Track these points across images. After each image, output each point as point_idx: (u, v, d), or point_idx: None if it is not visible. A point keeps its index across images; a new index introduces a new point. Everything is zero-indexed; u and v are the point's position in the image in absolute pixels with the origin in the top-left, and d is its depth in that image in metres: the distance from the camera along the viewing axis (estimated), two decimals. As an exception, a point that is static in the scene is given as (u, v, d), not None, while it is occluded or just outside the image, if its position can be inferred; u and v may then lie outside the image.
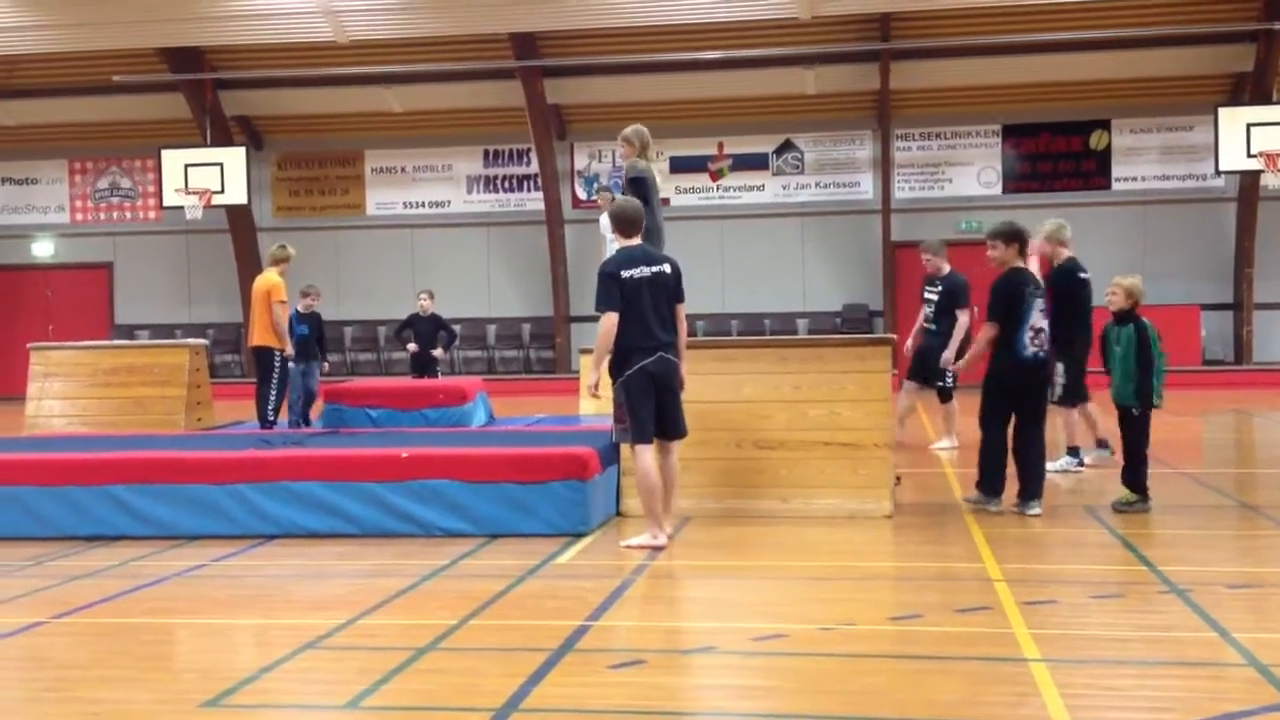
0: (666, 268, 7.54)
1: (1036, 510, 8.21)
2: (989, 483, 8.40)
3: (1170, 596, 6.00)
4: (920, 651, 5.14)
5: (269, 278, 12.34)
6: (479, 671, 4.95)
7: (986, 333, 8.42)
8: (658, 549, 7.36)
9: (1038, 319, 8.30)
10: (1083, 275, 10.22)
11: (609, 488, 8.45)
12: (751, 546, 7.68)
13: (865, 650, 5.16)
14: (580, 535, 7.78)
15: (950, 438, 12.12)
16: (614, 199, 9.20)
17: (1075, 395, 10.16)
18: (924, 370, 11.97)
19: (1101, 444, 10.65)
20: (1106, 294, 8.53)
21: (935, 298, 12.05)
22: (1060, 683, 4.60)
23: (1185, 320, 20.69)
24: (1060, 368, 10.08)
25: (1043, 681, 4.63)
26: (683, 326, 7.62)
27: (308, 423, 12.99)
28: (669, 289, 7.50)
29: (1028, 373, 8.32)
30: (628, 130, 8.93)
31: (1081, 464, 10.37)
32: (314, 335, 13.39)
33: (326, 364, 13.93)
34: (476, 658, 5.20)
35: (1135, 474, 8.36)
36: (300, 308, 13.28)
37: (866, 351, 8.59)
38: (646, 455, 7.40)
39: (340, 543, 7.81)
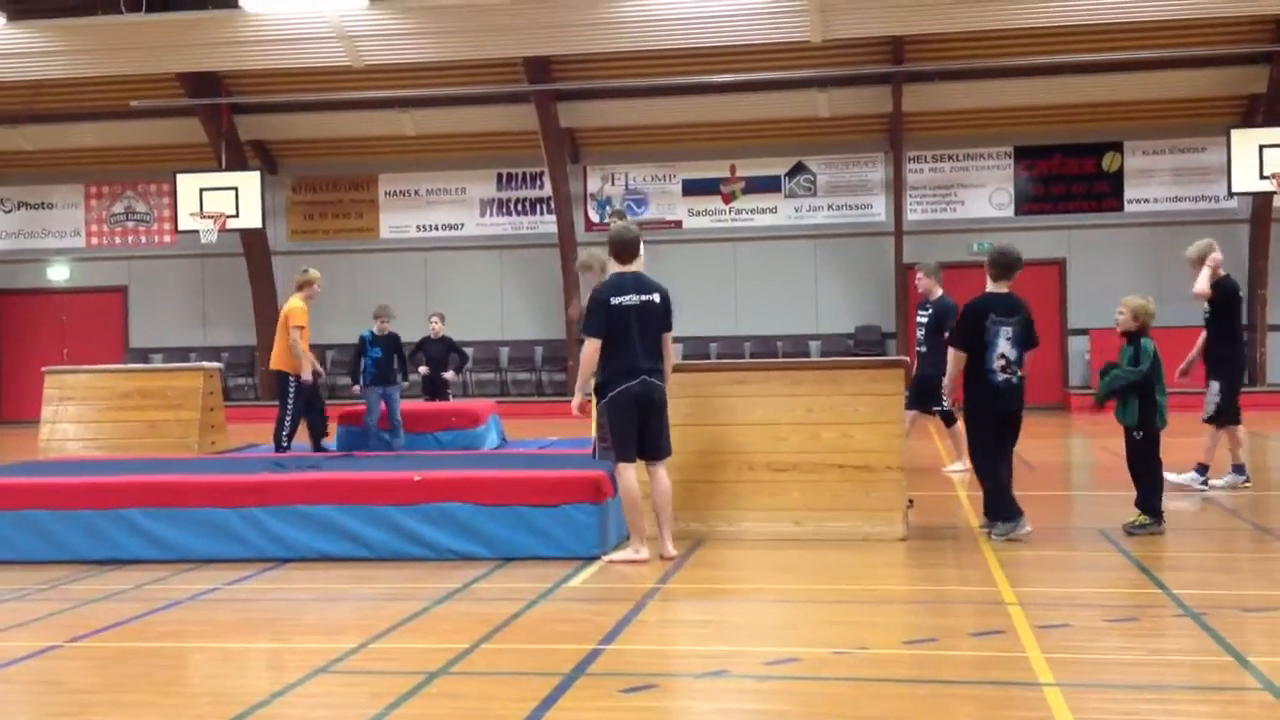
0: (656, 297, 7.73)
1: (1001, 533, 8.14)
2: (1005, 509, 8.31)
3: (1185, 620, 5.97)
4: (934, 676, 5.12)
5: (291, 303, 12.37)
6: (491, 696, 4.95)
7: (953, 361, 8.42)
8: (639, 562, 7.57)
9: (1004, 346, 8.23)
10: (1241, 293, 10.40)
11: (621, 511, 8.44)
12: (764, 569, 7.67)
13: (879, 674, 5.15)
14: (593, 558, 7.77)
15: (962, 460, 12.08)
16: (626, 221, 9.27)
17: (1227, 416, 10.16)
18: (921, 397, 11.93)
19: (1238, 469, 10.64)
20: (1116, 314, 8.51)
21: (925, 320, 12.08)
22: (1075, 707, 4.58)
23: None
24: (1215, 387, 10.12)
25: (1057, 706, 4.61)
26: (669, 355, 7.86)
27: (384, 445, 12.80)
28: (657, 318, 7.72)
29: (998, 398, 8.25)
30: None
31: (1206, 483, 10.36)
32: (389, 357, 13.18)
33: (406, 382, 13.75)
34: (489, 682, 5.19)
35: (1144, 496, 8.33)
36: (375, 330, 13.25)
37: (879, 374, 8.58)
38: (629, 473, 7.64)
39: (353, 566, 7.81)
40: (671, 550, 7.82)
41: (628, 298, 7.64)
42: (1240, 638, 5.56)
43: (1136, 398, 8.30)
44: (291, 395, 12.23)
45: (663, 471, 7.85)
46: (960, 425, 12.03)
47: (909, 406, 12.07)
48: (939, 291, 12.14)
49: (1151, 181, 21.89)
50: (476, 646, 5.71)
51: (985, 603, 6.45)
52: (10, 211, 24.85)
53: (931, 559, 7.85)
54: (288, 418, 12.28)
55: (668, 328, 7.80)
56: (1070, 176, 22.09)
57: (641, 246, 7.96)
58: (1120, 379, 8.27)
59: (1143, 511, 8.33)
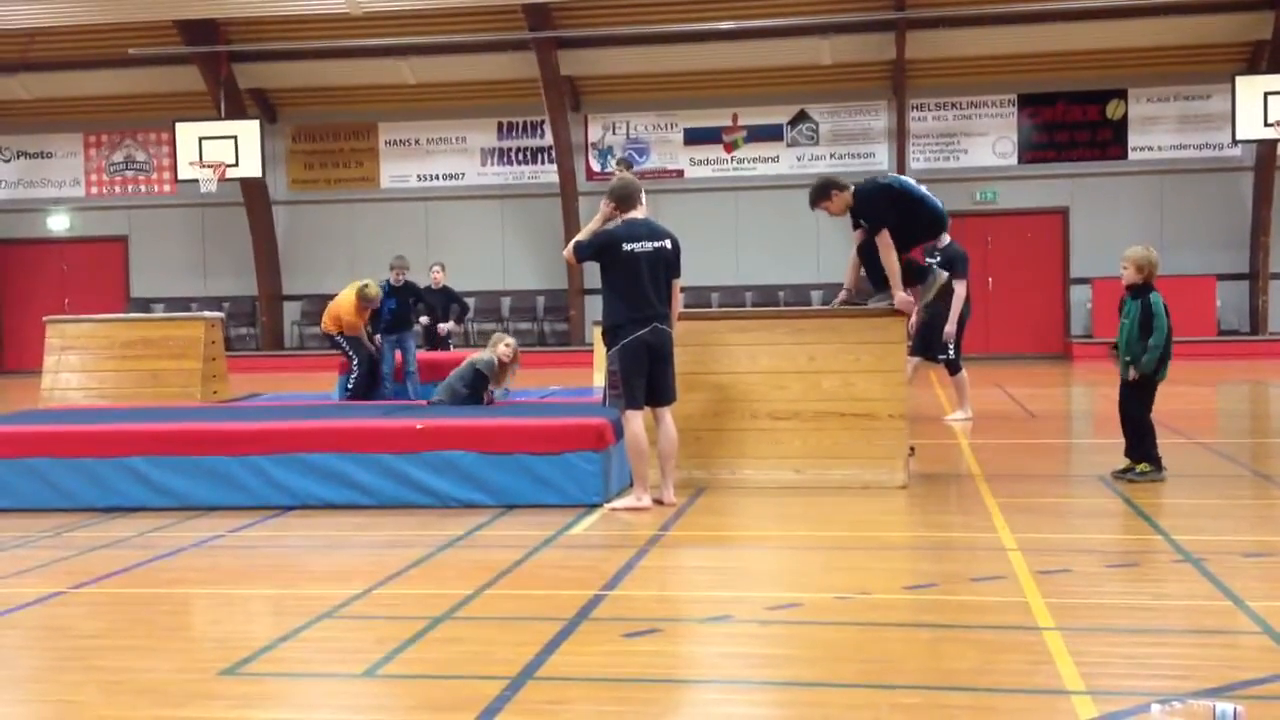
0: (668, 243, 7.80)
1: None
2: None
3: (1185, 566, 6.00)
4: (935, 620, 5.16)
5: (344, 298, 12.81)
6: (495, 640, 4.98)
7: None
8: (641, 510, 7.62)
9: None
10: None
11: (624, 458, 8.47)
12: (766, 517, 7.70)
13: (880, 619, 5.18)
14: (595, 506, 7.81)
15: (964, 409, 12.11)
16: (629, 172, 9.26)
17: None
18: (926, 344, 11.92)
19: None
20: (1121, 267, 8.44)
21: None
22: (1074, 651, 4.61)
23: (1201, 290, 20.63)
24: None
25: (1057, 650, 4.64)
26: (677, 301, 7.92)
27: (400, 395, 12.96)
28: (668, 264, 7.78)
29: None
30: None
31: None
32: (405, 307, 13.36)
33: (417, 330, 13.93)
34: (492, 627, 5.22)
35: (1142, 444, 8.34)
36: (391, 280, 13.34)
37: (881, 323, 8.57)
38: (637, 420, 7.69)
39: (356, 514, 7.85)
40: (672, 497, 7.88)
41: (641, 244, 7.67)
42: (1238, 582, 5.58)
43: (1143, 349, 8.25)
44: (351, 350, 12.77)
45: (669, 418, 7.90)
46: (965, 374, 12.06)
47: (913, 353, 12.10)
48: (947, 238, 12.09)
49: (1156, 129, 21.78)
50: (480, 592, 5.74)
51: (986, 549, 6.48)
52: (9, 160, 24.75)
53: (932, 506, 7.88)
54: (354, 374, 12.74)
55: (677, 274, 7.85)
56: (1074, 124, 21.98)
57: (643, 196, 7.97)
58: (1156, 349, 8.16)
59: (1141, 460, 8.34)
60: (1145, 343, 8.16)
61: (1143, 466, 8.32)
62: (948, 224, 9.51)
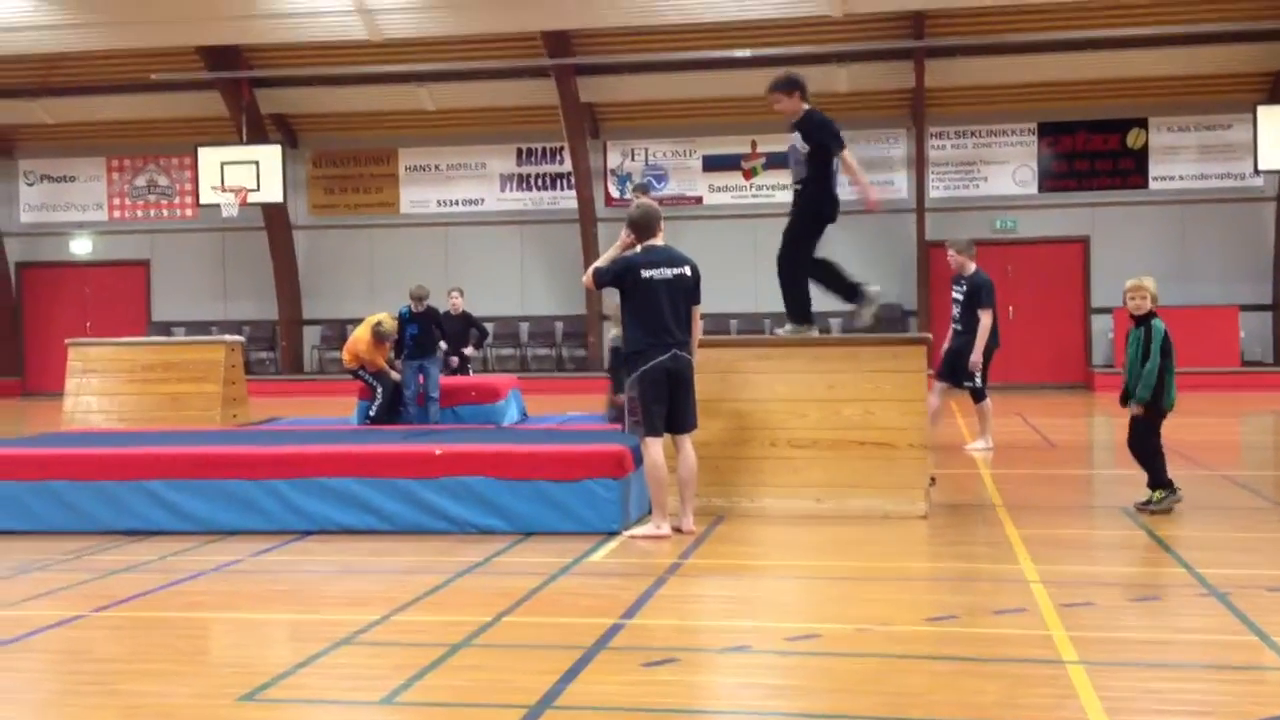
0: (687, 270, 7.83)
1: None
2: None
3: (1209, 599, 5.94)
4: (957, 653, 5.11)
5: (359, 335, 13.06)
6: (513, 668, 4.96)
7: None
8: (661, 537, 7.60)
9: None
10: None
11: (642, 485, 8.45)
12: (785, 546, 7.67)
13: (901, 651, 5.14)
14: (614, 533, 7.78)
15: (985, 439, 12.05)
16: (648, 197, 9.27)
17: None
18: (952, 370, 11.92)
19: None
20: (1126, 298, 8.40)
21: (959, 296, 12.01)
22: (1099, 686, 4.57)
23: (1223, 321, 20.52)
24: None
25: (1080, 684, 4.60)
26: (697, 328, 7.93)
27: (421, 419, 13.05)
28: (688, 291, 7.80)
29: None
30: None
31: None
32: (426, 333, 13.43)
33: (439, 356, 14.00)
34: (511, 655, 5.20)
35: (1154, 472, 8.29)
36: (412, 308, 13.45)
37: (901, 351, 8.54)
38: (656, 447, 7.69)
39: (375, 539, 7.84)
40: (692, 525, 7.85)
41: (660, 270, 7.70)
42: (1263, 617, 5.52)
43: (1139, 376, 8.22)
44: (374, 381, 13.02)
45: (689, 445, 7.90)
46: (989, 403, 12.02)
47: (939, 378, 12.08)
48: (973, 267, 12.08)
49: (1177, 159, 21.73)
50: (498, 619, 5.72)
51: (1008, 580, 6.44)
52: (33, 184, 24.94)
53: (954, 537, 7.83)
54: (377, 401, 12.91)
55: (697, 301, 7.87)
56: (1094, 153, 21.95)
57: (661, 224, 7.99)
58: (1151, 374, 8.15)
59: (1157, 487, 8.29)
60: (1149, 373, 8.14)
61: (1157, 494, 8.27)
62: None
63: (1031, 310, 21.82)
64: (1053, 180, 22.09)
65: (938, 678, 4.80)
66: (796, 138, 8.34)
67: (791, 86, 8.40)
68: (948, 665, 4.95)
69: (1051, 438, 13.48)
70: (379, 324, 12.81)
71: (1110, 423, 15.98)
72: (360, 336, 12.92)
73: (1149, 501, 8.31)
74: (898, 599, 6.18)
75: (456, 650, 5.20)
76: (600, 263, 7.94)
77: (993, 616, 5.72)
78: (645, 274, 7.68)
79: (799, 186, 8.49)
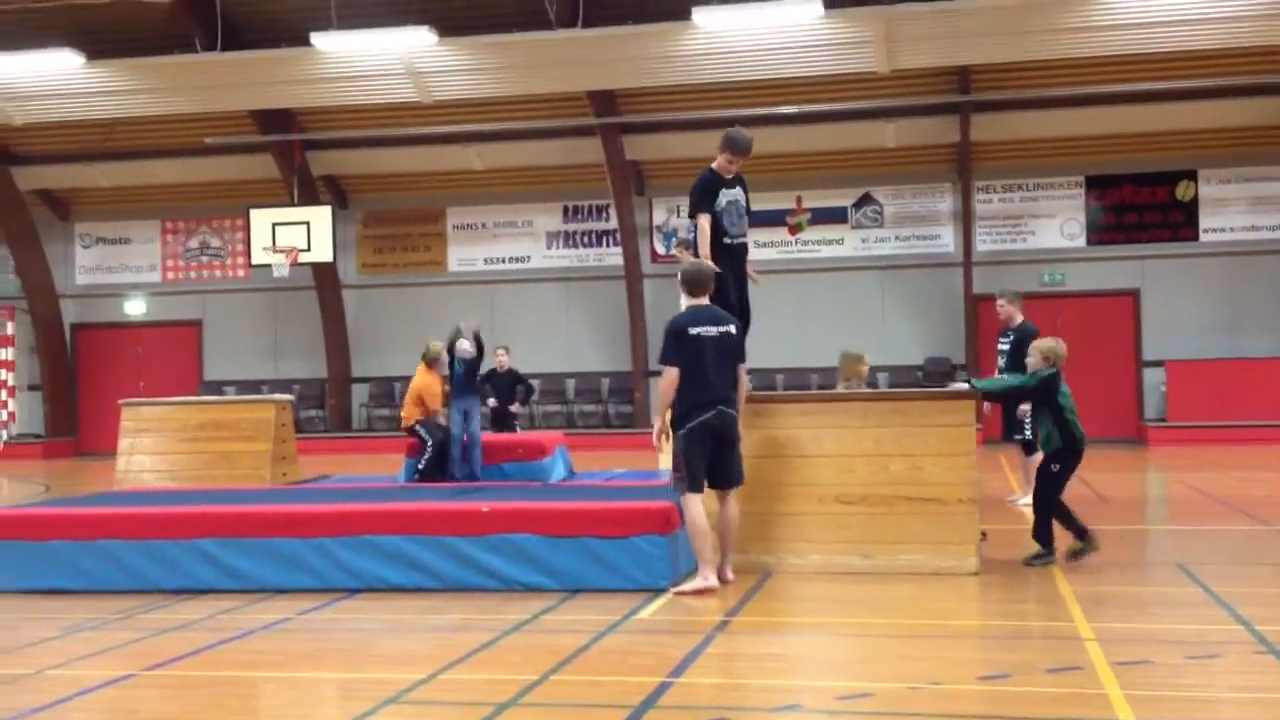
0: (732, 328, 7.89)
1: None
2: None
3: (1269, 657, 5.82)
4: (1010, 712, 5.03)
5: (420, 379, 13.11)
6: (561, 728, 4.92)
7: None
8: (707, 591, 7.62)
9: None
10: None
11: (689, 541, 8.41)
12: (835, 603, 7.60)
13: (953, 710, 5.06)
14: (661, 590, 7.74)
15: (1026, 492, 11.90)
16: (689, 253, 9.31)
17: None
18: (1004, 423, 11.81)
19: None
20: (1028, 359, 8.65)
21: (1005, 347, 11.92)
22: (1156, 746, 4.48)
23: (1274, 374, 20.23)
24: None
25: (1137, 744, 4.51)
26: (742, 385, 8.00)
27: (470, 475, 12.94)
28: (733, 349, 7.86)
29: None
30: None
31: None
32: (470, 375, 13.23)
33: (485, 408, 14.01)
34: (558, 713, 5.17)
35: (1039, 523, 8.50)
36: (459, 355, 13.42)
37: (949, 405, 8.48)
38: (696, 503, 7.71)
39: (422, 597, 7.85)
40: (730, 575, 7.93)
41: (705, 329, 7.76)
42: (1327, 676, 5.41)
43: (1052, 424, 8.40)
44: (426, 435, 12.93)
45: (733, 500, 7.94)
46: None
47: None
48: (1020, 318, 12.00)
49: (1227, 210, 21.57)
50: (546, 678, 5.70)
51: (1061, 638, 6.34)
52: (89, 247, 25.40)
53: (1005, 593, 7.73)
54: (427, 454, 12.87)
55: (742, 359, 7.94)
56: (1143, 206, 21.82)
57: (712, 283, 8.03)
58: (1000, 383, 8.76)
59: (1043, 542, 8.41)
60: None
61: (1074, 544, 8.34)
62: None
63: (1082, 364, 21.46)
64: (1101, 233, 21.97)
65: (991, 738, 4.72)
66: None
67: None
68: (1001, 725, 4.87)
69: (1103, 492, 13.30)
70: (426, 349, 12.95)
71: (1163, 477, 15.76)
72: (419, 380, 12.99)
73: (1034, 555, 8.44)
74: (949, 656, 6.10)
75: (504, 710, 5.18)
76: (664, 350, 7.86)
77: (1047, 675, 5.62)
78: (692, 331, 7.74)
79: None
